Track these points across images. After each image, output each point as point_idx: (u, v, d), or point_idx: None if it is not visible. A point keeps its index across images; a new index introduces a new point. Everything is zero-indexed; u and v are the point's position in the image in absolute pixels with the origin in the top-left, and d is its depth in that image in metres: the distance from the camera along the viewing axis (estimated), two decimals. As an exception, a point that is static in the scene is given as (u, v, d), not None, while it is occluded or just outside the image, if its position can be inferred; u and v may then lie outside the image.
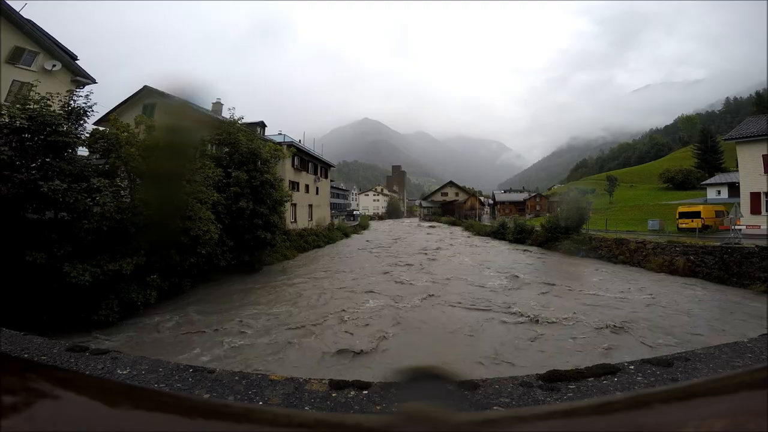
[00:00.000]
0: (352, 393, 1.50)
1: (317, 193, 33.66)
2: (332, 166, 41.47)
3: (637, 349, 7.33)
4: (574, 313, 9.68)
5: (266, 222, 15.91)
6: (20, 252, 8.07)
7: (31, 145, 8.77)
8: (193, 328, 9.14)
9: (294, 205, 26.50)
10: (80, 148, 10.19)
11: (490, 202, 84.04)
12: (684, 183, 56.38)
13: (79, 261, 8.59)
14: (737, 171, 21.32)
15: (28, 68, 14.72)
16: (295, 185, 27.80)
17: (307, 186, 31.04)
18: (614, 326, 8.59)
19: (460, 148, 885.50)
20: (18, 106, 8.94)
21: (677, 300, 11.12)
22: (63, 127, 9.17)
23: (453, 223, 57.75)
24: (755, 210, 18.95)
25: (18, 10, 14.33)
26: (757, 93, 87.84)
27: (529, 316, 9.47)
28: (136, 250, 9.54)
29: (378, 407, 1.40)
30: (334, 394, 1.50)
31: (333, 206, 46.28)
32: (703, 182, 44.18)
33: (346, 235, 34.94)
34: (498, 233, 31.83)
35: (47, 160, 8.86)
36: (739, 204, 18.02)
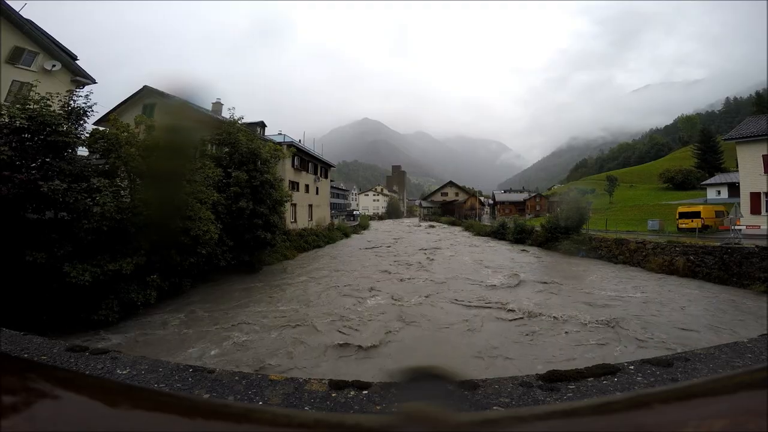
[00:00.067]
0: (352, 393, 1.50)
1: (317, 193, 33.67)
2: (332, 166, 41.47)
3: (628, 343, 7.63)
4: (570, 310, 9.88)
5: (266, 222, 15.91)
6: (20, 252, 8.07)
7: (31, 145, 8.77)
8: (198, 324, 9.25)
9: (294, 205, 26.51)
10: (80, 148, 10.19)
11: (490, 202, 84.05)
12: (684, 183, 56.40)
13: (79, 261, 8.59)
14: (737, 171, 21.32)
15: (27, 68, 14.72)
16: (295, 185, 27.80)
17: (307, 186, 31.04)
18: (607, 323, 8.81)
19: (460, 148, 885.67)
20: (18, 106, 8.94)
21: (672, 298, 11.24)
22: (63, 127, 9.17)
23: (453, 223, 57.74)
24: (755, 210, 18.95)
25: (18, 10, 14.33)
26: (757, 93, 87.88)
27: (526, 313, 9.68)
28: (136, 250, 9.54)
29: (378, 407, 1.40)
30: (334, 394, 1.50)
31: (333, 206, 46.28)
32: (703, 182, 44.18)
33: (346, 235, 34.94)
34: (498, 233, 31.82)
35: (47, 160, 8.86)
36: (739, 204, 18.03)
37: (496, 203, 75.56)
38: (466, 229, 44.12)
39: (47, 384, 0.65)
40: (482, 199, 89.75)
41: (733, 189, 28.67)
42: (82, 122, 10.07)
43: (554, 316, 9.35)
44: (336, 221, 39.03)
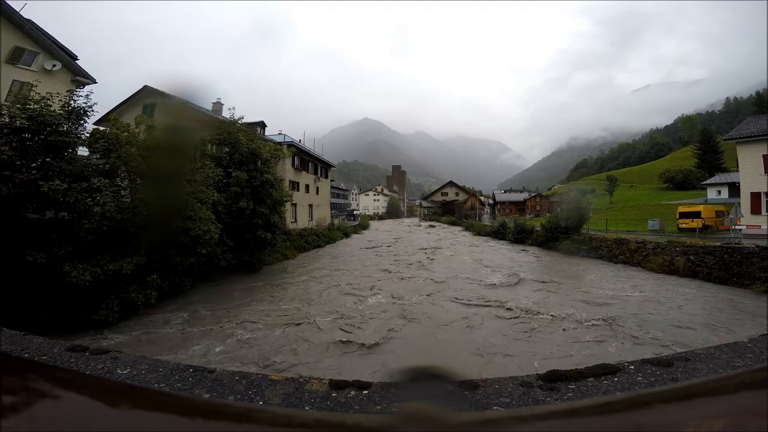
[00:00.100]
0: (352, 393, 1.50)
1: (317, 193, 33.67)
2: (332, 166, 41.47)
3: (624, 340, 7.77)
4: (568, 308, 9.99)
5: (266, 222, 15.92)
6: (20, 252, 8.07)
7: (32, 144, 8.78)
8: (201, 323, 9.32)
9: (294, 205, 26.50)
10: (80, 147, 10.19)
11: (490, 202, 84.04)
12: (684, 183, 56.36)
13: (79, 261, 8.60)
14: (737, 171, 21.31)
15: (28, 68, 14.72)
16: (295, 185, 27.80)
17: (307, 186, 31.04)
18: (604, 321, 8.95)
19: (460, 148, 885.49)
20: (18, 106, 8.94)
21: (670, 297, 11.31)
22: (63, 127, 9.17)
23: (453, 223, 57.74)
24: (755, 210, 18.94)
25: (18, 10, 14.33)
26: (757, 93, 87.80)
27: (524, 311, 9.80)
28: (136, 249, 9.55)
29: (378, 407, 1.40)
30: (334, 394, 1.50)
31: (333, 206, 46.28)
32: (704, 182, 44.14)
33: (347, 235, 34.94)
34: (498, 233, 31.81)
35: (47, 159, 8.86)
36: (739, 204, 18.01)
37: (496, 203, 75.56)
38: (467, 229, 44.09)
39: (47, 384, 0.65)
40: (482, 198, 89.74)
41: (734, 189, 28.66)
42: (82, 122, 10.07)
43: (552, 314, 9.46)
44: (336, 221, 39.03)
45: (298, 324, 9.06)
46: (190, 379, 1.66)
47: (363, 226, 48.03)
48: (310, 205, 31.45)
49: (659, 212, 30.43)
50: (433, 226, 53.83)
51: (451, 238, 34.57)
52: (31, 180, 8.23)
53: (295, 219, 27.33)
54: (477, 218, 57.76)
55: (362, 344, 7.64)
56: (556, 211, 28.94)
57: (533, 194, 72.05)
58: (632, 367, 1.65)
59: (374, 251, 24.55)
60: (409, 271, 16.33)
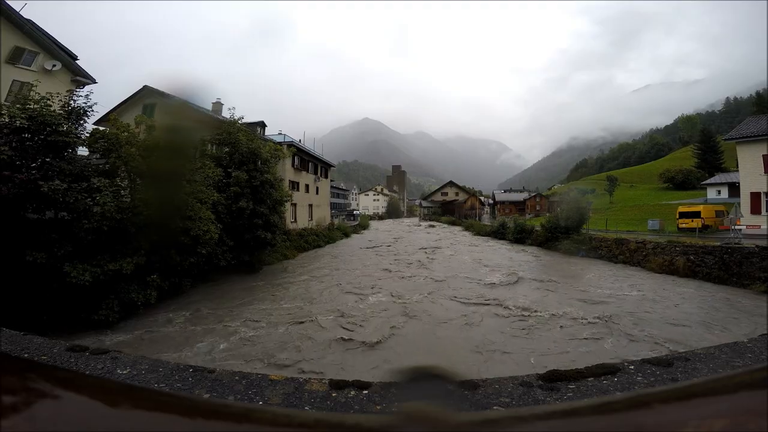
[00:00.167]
0: (352, 393, 1.50)
1: (317, 193, 33.66)
2: (332, 166, 41.47)
3: (619, 337, 7.91)
4: (566, 307, 10.12)
5: (266, 222, 15.91)
6: (20, 252, 8.07)
7: (31, 144, 8.78)
8: (204, 322, 9.40)
9: (294, 204, 26.50)
10: (80, 147, 10.19)
11: (490, 201, 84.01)
12: (684, 183, 56.35)
13: (79, 261, 8.60)
14: (737, 171, 21.30)
15: (28, 68, 14.72)
16: (295, 185, 27.80)
17: (307, 186, 31.04)
18: (601, 318, 9.07)
19: (460, 148, 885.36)
20: (18, 106, 8.94)
21: (667, 296, 11.40)
22: (63, 127, 9.17)
23: (453, 223, 57.73)
24: (755, 210, 18.94)
25: (18, 10, 14.33)
26: (757, 93, 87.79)
27: (523, 309, 9.93)
28: (136, 250, 9.54)
29: (378, 407, 1.40)
30: (334, 394, 1.50)
31: (333, 206, 46.27)
32: (703, 182, 44.15)
33: (347, 235, 34.94)
34: (498, 233, 31.80)
35: (47, 159, 8.86)
36: (739, 204, 18.01)
37: (496, 203, 75.54)
38: (466, 228, 44.08)
39: (47, 384, 0.65)
40: (482, 198, 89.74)
41: (733, 189, 28.66)
42: (82, 122, 10.07)
43: (550, 313, 9.58)
44: (336, 221, 39.03)
45: (301, 322, 9.16)
46: (190, 379, 1.66)
47: (363, 226, 48.03)
48: (310, 205, 31.44)
49: (659, 212, 30.43)
50: (432, 226, 53.84)
51: (451, 237, 34.57)
52: (31, 180, 8.23)
53: (295, 219, 27.33)
54: (477, 218, 57.77)
55: (364, 342, 7.76)
56: (556, 211, 28.94)
57: (533, 194, 72.03)
58: (632, 367, 1.65)
59: (374, 251, 24.56)
60: (409, 271, 16.39)
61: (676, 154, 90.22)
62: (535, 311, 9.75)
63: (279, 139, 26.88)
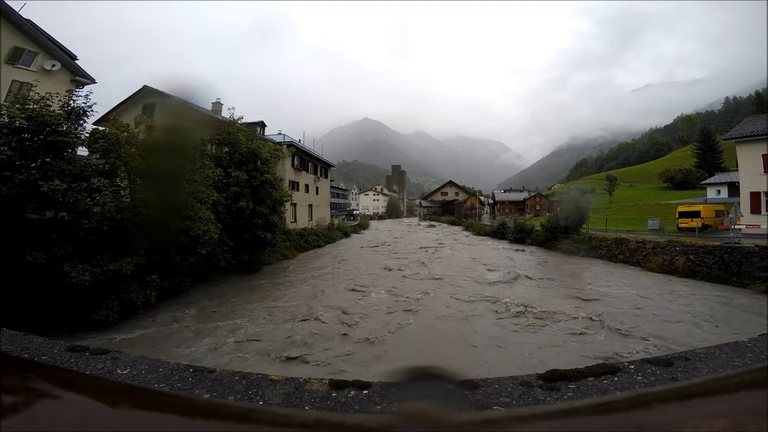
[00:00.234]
0: (352, 393, 1.50)
1: (317, 193, 33.66)
2: (332, 166, 41.46)
3: (611, 331, 8.16)
4: (562, 304, 10.37)
5: (266, 222, 15.91)
6: (20, 252, 8.07)
7: (31, 145, 8.77)
8: (209, 319, 9.56)
9: (294, 204, 26.50)
10: (80, 148, 10.18)
11: (490, 201, 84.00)
12: (684, 182, 56.37)
13: (79, 261, 8.59)
14: (737, 170, 21.31)
15: (27, 68, 14.71)
16: (295, 185, 27.79)
17: (307, 186, 31.04)
18: (595, 314, 9.29)
19: (460, 148, 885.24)
20: (18, 106, 8.93)
21: (664, 295, 11.53)
22: (63, 127, 9.16)
23: (453, 223, 57.72)
24: (755, 209, 18.94)
25: (18, 10, 14.32)
26: (757, 93, 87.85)
27: (519, 306, 10.15)
28: (136, 250, 9.54)
29: (378, 407, 1.40)
30: (334, 394, 1.50)
31: (333, 206, 46.27)
32: (703, 182, 44.17)
33: (346, 235, 34.95)
34: (498, 233, 31.80)
35: (47, 160, 8.85)
36: (738, 203, 18.01)
37: (496, 203, 75.53)
38: (466, 228, 44.07)
39: (47, 384, 0.65)
40: (482, 198, 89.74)
41: (733, 188, 28.66)
42: (81, 122, 10.07)
43: (546, 309, 9.77)
44: (336, 221, 39.02)
45: (304, 320, 9.31)
46: (190, 379, 1.66)
47: (363, 226, 48.03)
48: (310, 205, 31.44)
49: (659, 212, 30.43)
50: (432, 226, 53.86)
51: (451, 237, 34.59)
52: (31, 180, 8.23)
53: (295, 219, 27.32)
54: (477, 218, 57.77)
55: (367, 338, 7.92)
56: (556, 210, 28.94)
57: (533, 194, 72.05)
58: (632, 366, 1.65)
59: (374, 250, 24.60)
60: (409, 269, 16.47)
61: (675, 154, 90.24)
62: (532, 307, 9.97)
63: (279, 139, 26.88)
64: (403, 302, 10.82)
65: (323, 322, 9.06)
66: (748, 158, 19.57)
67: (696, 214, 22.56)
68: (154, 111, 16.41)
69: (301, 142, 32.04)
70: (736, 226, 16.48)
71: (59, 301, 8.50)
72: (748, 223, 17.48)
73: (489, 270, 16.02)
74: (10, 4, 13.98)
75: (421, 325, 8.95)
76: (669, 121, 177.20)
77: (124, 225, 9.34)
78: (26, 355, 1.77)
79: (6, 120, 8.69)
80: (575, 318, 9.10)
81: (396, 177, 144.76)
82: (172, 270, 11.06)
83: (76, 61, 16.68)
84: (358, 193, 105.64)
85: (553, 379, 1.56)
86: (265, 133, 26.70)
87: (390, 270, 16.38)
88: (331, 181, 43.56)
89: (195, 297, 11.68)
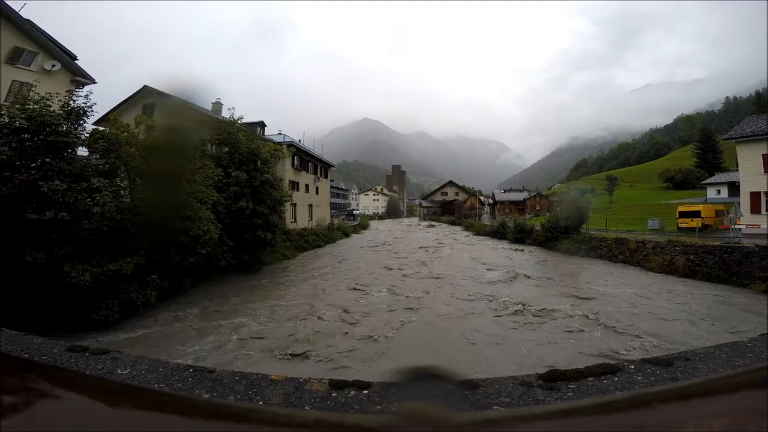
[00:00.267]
0: (352, 393, 1.50)
1: (317, 193, 33.66)
2: (332, 166, 41.46)
3: (607, 329, 8.28)
4: (560, 302, 10.47)
5: (266, 222, 15.92)
6: (20, 252, 8.07)
7: (31, 145, 8.77)
8: (211, 318, 9.63)
9: (294, 204, 26.49)
10: (80, 148, 10.18)
11: (490, 201, 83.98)
12: (684, 182, 56.38)
13: (79, 261, 8.59)
14: (737, 170, 21.31)
15: (27, 68, 14.71)
16: (294, 185, 27.79)
17: (307, 186, 31.03)
18: (592, 312, 9.39)
19: (460, 148, 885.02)
20: (18, 106, 8.93)
21: (662, 294, 11.60)
22: (63, 127, 9.17)
23: (453, 223, 57.72)
24: (755, 209, 18.93)
25: (17, 10, 14.31)
26: (757, 92, 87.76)
27: (518, 304, 10.27)
28: (136, 250, 9.54)
29: (378, 407, 1.40)
30: (334, 394, 1.50)
31: (333, 206, 46.27)
32: (703, 182, 44.16)
33: (346, 235, 34.94)
34: (498, 233, 31.80)
35: (47, 160, 8.85)
36: (738, 203, 18.00)
37: (496, 203, 75.51)
38: (466, 228, 44.06)
39: (47, 384, 0.65)
40: (482, 198, 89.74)
41: (733, 188, 28.66)
42: (81, 122, 10.07)
43: (544, 307, 9.88)
44: (336, 221, 39.02)
45: (306, 318, 9.38)
46: (190, 379, 1.66)
47: (363, 226, 48.03)
48: (310, 205, 31.44)
49: (659, 212, 30.43)
50: (432, 226, 53.87)
51: (451, 237, 34.59)
52: (31, 180, 8.22)
53: (295, 219, 27.32)
54: (477, 218, 57.77)
55: (370, 336, 8.02)
56: (556, 210, 28.93)
57: (533, 194, 72.03)
58: (632, 366, 1.65)
59: (375, 250, 24.61)
60: (409, 269, 16.53)
61: (675, 154, 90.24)
62: (530, 305, 10.09)
63: (279, 139, 26.87)
64: (404, 301, 10.92)
65: (325, 320, 9.16)
66: (748, 158, 19.56)
67: (696, 214, 22.56)
68: (154, 111, 16.41)
69: (301, 142, 32.05)
70: (736, 226, 16.48)
71: (59, 301, 8.50)
72: (748, 222, 17.48)
73: (488, 269, 16.09)
74: (10, 4, 13.99)
75: (422, 322, 9.09)
76: (669, 121, 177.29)
77: (124, 225, 9.34)
78: (26, 355, 1.77)
79: (6, 120, 8.69)
80: (573, 316, 9.22)
81: (396, 177, 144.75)
82: (172, 270, 11.06)
83: (76, 61, 16.68)
84: (358, 193, 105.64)
85: (553, 379, 1.56)
86: (265, 133, 26.70)
87: (390, 269, 16.44)
88: (331, 181, 43.55)
89: (195, 297, 11.68)
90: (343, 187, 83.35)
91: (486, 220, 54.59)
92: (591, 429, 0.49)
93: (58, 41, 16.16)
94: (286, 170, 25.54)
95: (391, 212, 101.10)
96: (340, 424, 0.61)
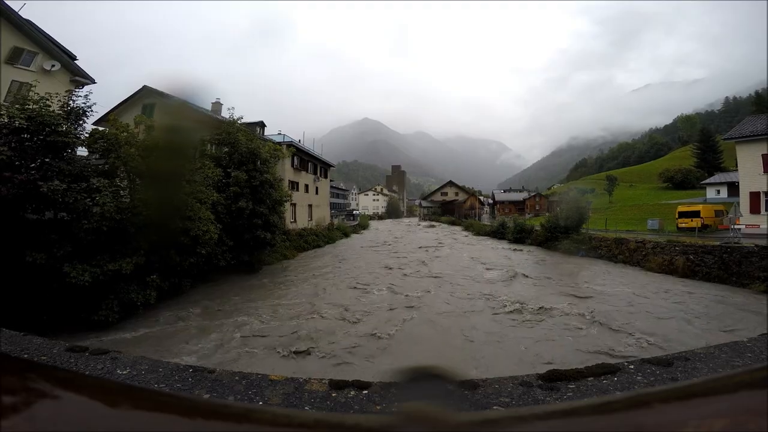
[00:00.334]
0: (352, 393, 1.50)
1: (317, 193, 33.65)
2: (332, 166, 41.45)
3: (604, 327, 8.34)
4: (558, 301, 10.54)
5: (266, 222, 15.91)
6: (20, 252, 8.06)
7: (31, 145, 8.76)
8: (213, 317, 9.68)
9: (293, 204, 26.48)
10: (80, 148, 10.17)
11: (490, 201, 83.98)
12: (683, 182, 56.36)
13: (78, 261, 8.58)
14: (737, 170, 21.31)
15: (27, 68, 14.69)
16: (294, 185, 27.79)
17: (306, 186, 31.03)
18: (589, 311, 9.46)
19: (460, 148, 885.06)
20: (17, 106, 8.92)
21: (659, 294, 11.63)
22: (62, 128, 9.16)
23: (453, 223, 57.74)
24: (755, 209, 18.94)
25: (17, 10, 14.30)
26: (757, 93, 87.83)
27: (516, 303, 10.33)
28: (135, 250, 9.53)
29: (378, 407, 1.40)
30: (334, 394, 1.50)
31: (333, 206, 46.26)
32: (703, 182, 44.18)
33: (346, 235, 34.94)
34: (498, 233, 31.80)
35: (47, 160, 8.84)
36: (738, 203, 18.00)
37: (495, 203, 75.52)
38: (466, 228, 44.06)
39: (47, 384, 0.64)
40: (482, 198, 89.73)
41: (733, 188, 28.67)
42: (81, 122, 10.07)
43: (542, 306, 9.95)
44: (336, 221, 39.02)
45: (308, 318, 9.42)
46: (190, 379, 1.66)
47: (362, 226, 48.02)
48: (310, 205, 31.44)
49: (659, 212, 30.44)
50: (432, 226, 53.88)
51: (450, 237, 34.61)
52: (31, 180, 8.22)
53: (295, 219, 27.32)
54: (476, 218, 57.77)
55: (372, 333, 8.09)
56: (556, 210, 28.92)
57: (533, 194, 72.04)
58: (632, 366, 1.65)
59: (375, 250, 24.63)
60: (409, 268, 16.58)
61: (675, 154, 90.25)
62: (529, 304, 10.14)
63: (278, 139, 26.87)
64: (404, 299, 10.99)
65: (327, 319, 9.23)
66: (747, 158, 19.57)
67: (696, 214, 22.57)
68: (154, 111, 16.40)
69: (301, 142, 32.05)
70: (736, 226, 16.48)
71: (59, 302, 8.50)
72: (747, 222, 17.48)
73: (488, 269, 16.12)
74: (10, 4, 13.98)
75: (423, 320, 9.17)
76: (669, 121, 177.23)
77: (124, 225, 9.33)
78: (26, 355, 1.77)
79: (6, 120, 8.68)
80: (570, 314, 9.29)
81: (396, 177, 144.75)
82: (171, 270, 11.05)
83: (75, 61, 16.67)
84: (358, 193, 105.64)
85: (553, 379, 1.56)
86: (265, 133, 26.68)
87: (390, 269, 16.48)
88: (330, 181, 43.55)
89: (195, 297, 11.68)
90: (343, 187, 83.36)
91: (486, 220, 54.60)
92: (591, 429, 0.49)
93: (58, 41, 16.15)
94: (285, 170, 25.54)
95: (391, 212, 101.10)
96: (340, 425, 0.61)
